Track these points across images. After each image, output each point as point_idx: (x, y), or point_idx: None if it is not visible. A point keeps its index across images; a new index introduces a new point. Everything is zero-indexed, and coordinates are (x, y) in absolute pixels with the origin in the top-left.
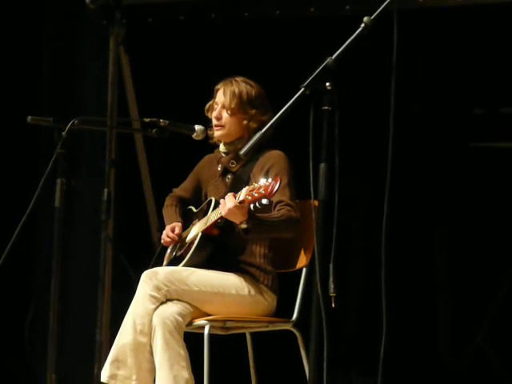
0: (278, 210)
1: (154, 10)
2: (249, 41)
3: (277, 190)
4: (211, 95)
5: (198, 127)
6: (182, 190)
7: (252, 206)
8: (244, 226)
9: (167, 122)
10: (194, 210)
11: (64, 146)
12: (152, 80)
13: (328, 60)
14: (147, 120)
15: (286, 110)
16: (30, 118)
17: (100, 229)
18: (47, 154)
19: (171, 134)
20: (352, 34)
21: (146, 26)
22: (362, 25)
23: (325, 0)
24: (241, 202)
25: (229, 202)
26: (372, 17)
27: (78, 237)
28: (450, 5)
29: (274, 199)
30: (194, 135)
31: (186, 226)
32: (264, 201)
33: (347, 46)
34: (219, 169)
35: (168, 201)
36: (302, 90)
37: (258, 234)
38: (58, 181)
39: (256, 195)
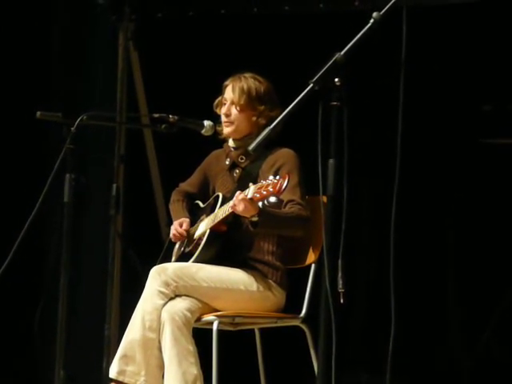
0: (289, 208)
1: (163, 5)
2: (258, 36)
3: (285, 188)
4: (220, 91)
5: (206, 123)
6: (189, 184)
7: (260, 203)
8: (255, 219)
9: (176, 117)
10: (201, 205)
11: (73, 141)
12: (161, 75)
13: (337, 56)
14: (156, 115)
15: (294, 106)
16: (39, 113)
17: (109, 224)
18: (56, 149)
19: (180, 129)
20: (361, 30)
21: (155, 21)
22: (371, 20)
23: None
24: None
25: (241, 202)
26: (381, 12)
27: (87, 232)
28: (459, 1)
29: (285, 198)
30: (202, 131)
31: (194, 221)
32: (272, 198)
33: (356, 41)
34: (227, 162)
35: (174, 196)
36: (311, 85)
37: (266, 227)
38: (67, 176)
39: (264, 193)
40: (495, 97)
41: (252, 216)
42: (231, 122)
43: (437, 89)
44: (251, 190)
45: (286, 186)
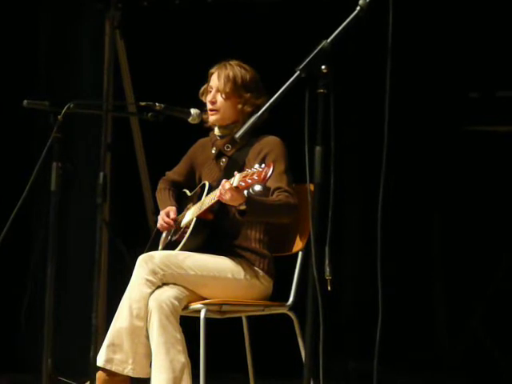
0: (277, 196)
1: None
2: (245, 24)
3: (270, 176)
4: (207, 79)
5: (193, 111)
6: (175, 173)
7: (246, 192)
8: (242, 207)
9: (163, 105)
10: (188, 193)
11: (60, 129)
12: (148, 64)
13: (323, 43)
14: (143, 104)
15: (281, 93)
16: (25, 101)
17: (96, 212)
18: (42, 137)
19: (167, 117)
20: (348, 17)
21: (141, 9)
22: (358, 8)
23: None
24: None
25: (228, 192)
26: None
27: (73, 220)
28: None
29: (272, 185)
30: (189, 119)
31: (180, 209)
32: (257, 187)
33: (343, 28)
34: (213, 151)
35: (161, 184)
36: (298, 72)
37: (254, 216)
38: (54, 164)
39: (249, 181)
40: (483, 84)
41: (240, 205)
42: (217, 110)
43: (424, 75)
44: (236, 179)
45: (270, 175)
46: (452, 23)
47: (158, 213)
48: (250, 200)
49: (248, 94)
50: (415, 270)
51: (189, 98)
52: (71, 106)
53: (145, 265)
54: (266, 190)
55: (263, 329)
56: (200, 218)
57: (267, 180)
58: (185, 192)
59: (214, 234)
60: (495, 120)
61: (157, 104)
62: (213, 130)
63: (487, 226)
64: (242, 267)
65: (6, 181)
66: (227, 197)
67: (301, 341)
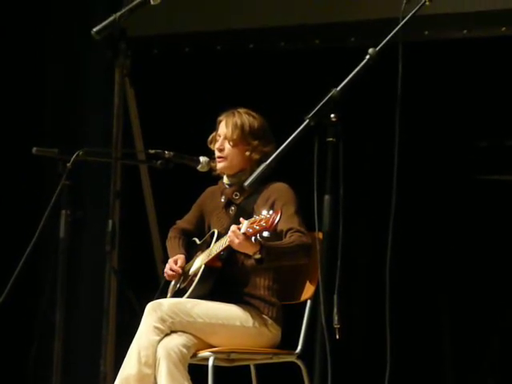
0: (290, 237)
1: (160, 41)
2: (254, 72)
3: (277, 222)
4: (215, 127)
5: (202, 159)
6: (186, 222)
7: (253, 238)
8: (258, 256)
9: (172, 153)
10: (198, 241)
11: (69, 177)
12: (157, 111)
13: (333, 91)
14: (152, 151)
15: (290, 142)
16: (35, 149)
17: (105, 260)
18: (52, 185)
19: (176, 165)
20: (357, 66)
21: (151, 57)
22: (367, 56)
23: (330, 32)
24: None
25: (237, 237)
26: (377, 48)
27: (83, 268)
28: (454, 37)
29: (284, 227)
30: (198, 167)
31: (190, 258)
32: (265, 233)
33: (352, 77)
34: (222, 200)
35: (171, 233)
36: (307, 121)
37: (271, 262)
38: (63, 212)
39: (257, 228)
40: (491, 133)
41: (254, 253)
42: (224, 157)
43: (433, 124)
44: (244, 226)
45: (278, 221)
46: (460, 72)
47: (167, 261)
48: (264, 247)
49: (256, 142)
50: (424, 317)
51: (198, 145)
52: (80, 153)
53: (153, 312)
54: (274, 237)
55: (271, 377)
56: (208, 266)
57: (275, 226)
58: (194, 241)
59: (222, 282)
60: (504, 169)
61: (166, 152)
62: (221, 178)
63: (497, 275)
64: (251, 315)
65: (16, 229)
66: (236, 242)
67: None
